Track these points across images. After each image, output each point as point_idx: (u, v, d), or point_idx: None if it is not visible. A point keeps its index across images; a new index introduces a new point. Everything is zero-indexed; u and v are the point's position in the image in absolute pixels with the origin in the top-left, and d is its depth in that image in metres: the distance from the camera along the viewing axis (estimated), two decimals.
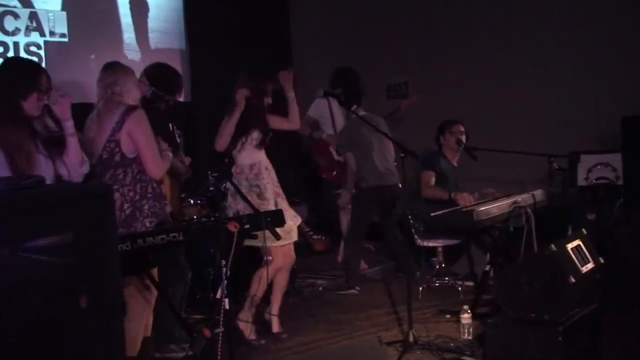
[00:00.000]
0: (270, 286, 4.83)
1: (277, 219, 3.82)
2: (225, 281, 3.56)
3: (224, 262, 3.54)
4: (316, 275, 6.51)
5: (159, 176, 3.89)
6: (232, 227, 3.56)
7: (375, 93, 7.43)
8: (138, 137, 3.76)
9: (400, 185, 5.96)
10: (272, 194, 4.77)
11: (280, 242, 4.39)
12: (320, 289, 6.15)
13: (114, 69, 3.89)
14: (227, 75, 7.34)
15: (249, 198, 4.46)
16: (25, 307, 2.06)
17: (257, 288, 4.72)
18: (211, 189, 5.70)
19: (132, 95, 3.88)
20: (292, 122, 4.99)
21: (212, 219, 5.44)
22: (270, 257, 4.56)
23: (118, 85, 3.82)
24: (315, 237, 7.35)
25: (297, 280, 5.95)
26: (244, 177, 4.71)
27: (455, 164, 5.98)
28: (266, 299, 4.91)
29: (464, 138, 5.86)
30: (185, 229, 3.52)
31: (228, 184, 4.84)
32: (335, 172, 6.77)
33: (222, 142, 4.70)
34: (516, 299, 4.06)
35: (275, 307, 4.90)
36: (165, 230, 3.45)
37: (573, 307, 4.04)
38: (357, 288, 5.97)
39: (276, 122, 4.93)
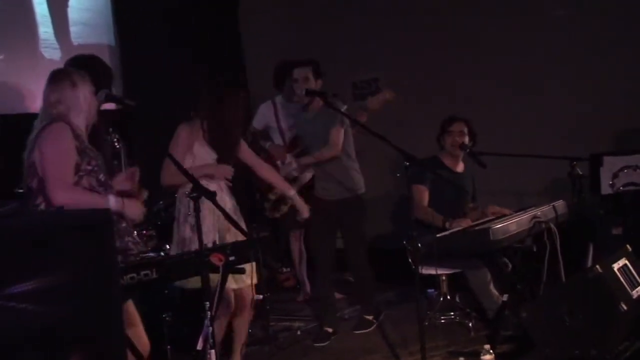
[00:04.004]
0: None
1: (266, 248, 3.72)
2: (210, 328, 3.44)
3: (207, 304, 3.43)
4: (291, 316, 6.42)
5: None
6: (217, 259, 3.45)
7: (342, 87, 7.36)
8: (42, 153, 3.66)
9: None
10: (211, 225, 4.68)
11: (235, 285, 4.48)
12: (299, 332, 6.06)
13: (59, 83, 3.78)
14: (165, 75, 7.33)
15: (185, 228, 4.61)
16: None
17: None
18: (162, 215, 5.57)
19: (83, 111, 3.80)
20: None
21: (165, 253, 5.34)
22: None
23: (62, 104, 3.75)
24: (284, 270, 7.27)
25: (269, 324, 5.84)
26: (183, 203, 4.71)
27: (460, 170, 5.97)
28: None
29: (466, 139, 5.84)
30: (159, 265, 3.39)
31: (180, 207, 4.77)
32: None
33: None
34: (555, 333, 4.06)
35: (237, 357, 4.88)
36: (134, 267, 3.31)
37: (624, 340, 4.06)
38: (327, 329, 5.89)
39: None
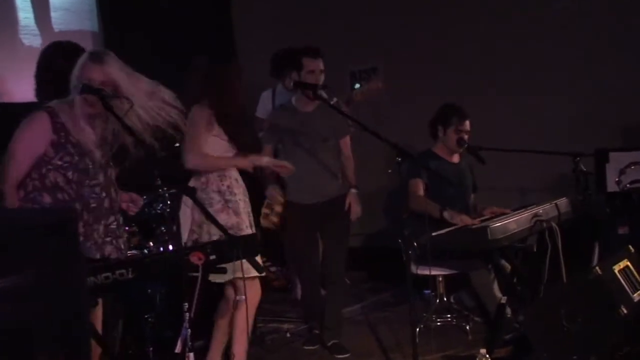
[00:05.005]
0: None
1: (249, 246, 3.71)
2: (189, 330, 3.45)
3: (186, 305, 3.44)
4: (280, 317, 6.45)
5: None
6: (196, 258, 3.46)
7: (336, 82, 7.35)
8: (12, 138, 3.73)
9: None
10: (245, 213, 4.73)
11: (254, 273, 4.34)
12: (288, 335, 6.08)
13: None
14: (151, 62, 7.28)
15: (225, 216, 4.49)
16: None
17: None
18: (145, 210, 5.57)
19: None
20: None
21: (148, 250, 5.36)
22: (243, 296, 4.44)
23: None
24: (272, 269, 7.28)
25: (257, 325, 5.84)
26: (215, 189, 4.63)
27: (456, 161, 5.98)
28: None
29: (466, 138, 5.85)
30: (137, 265, 3.40)
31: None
32: None
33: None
34: (553, 338, 4.06)
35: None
36: (110, 266, 3.31)
37: (624, 345, 4.06)
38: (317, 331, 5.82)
39: None
